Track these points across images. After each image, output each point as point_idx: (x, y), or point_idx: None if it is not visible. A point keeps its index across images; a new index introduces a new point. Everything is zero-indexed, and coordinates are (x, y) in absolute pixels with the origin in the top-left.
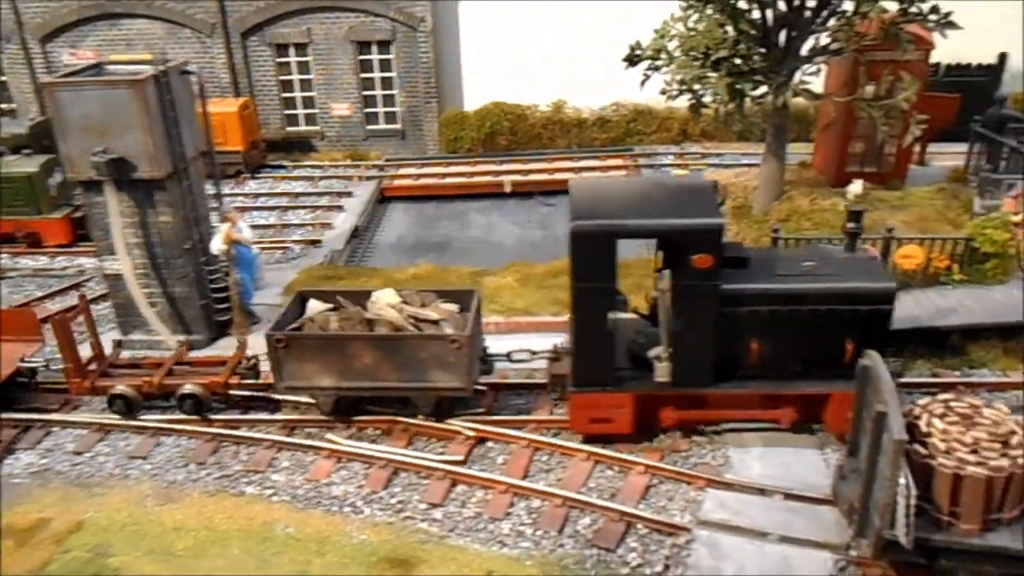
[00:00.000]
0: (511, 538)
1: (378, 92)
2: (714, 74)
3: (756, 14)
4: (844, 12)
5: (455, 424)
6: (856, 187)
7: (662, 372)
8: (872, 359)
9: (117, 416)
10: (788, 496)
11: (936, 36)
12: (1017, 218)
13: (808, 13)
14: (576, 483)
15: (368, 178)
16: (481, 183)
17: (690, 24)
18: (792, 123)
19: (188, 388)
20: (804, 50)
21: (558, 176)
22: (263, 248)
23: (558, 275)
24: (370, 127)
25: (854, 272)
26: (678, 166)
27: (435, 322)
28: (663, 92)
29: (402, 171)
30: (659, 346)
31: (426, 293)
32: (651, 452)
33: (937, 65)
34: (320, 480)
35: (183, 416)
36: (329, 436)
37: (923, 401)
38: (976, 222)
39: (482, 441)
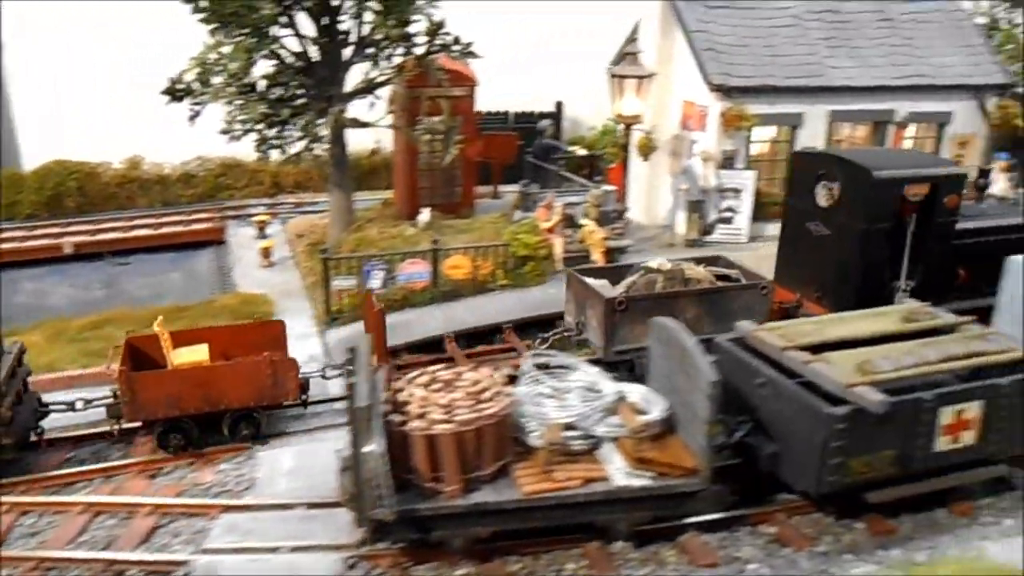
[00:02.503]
0: None
1: None
2: (250, 101)
3: (297, 45)
4: (383, 48)
5: None
6: (424, 216)
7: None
8: (357, 341)
9: None
10: (311, 506)
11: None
12: (547, 224)
13: (349, 51)
14: (63, 541)
15: None
16: (35, 247)
17: (222, 51)
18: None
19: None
20: (350, 84)
21: (135, 234)
22: None
23: (101, 326)
24: None
25: (1015, 215)
26: (269, 216)
27: (727, 278)
28: (224, 132)
29: None
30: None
31: (686, 261)
32: (168, 489)
33: (507, 113)
34: None
35: None
36: None
37: (412, 374)
38: (510, 229)
39: None
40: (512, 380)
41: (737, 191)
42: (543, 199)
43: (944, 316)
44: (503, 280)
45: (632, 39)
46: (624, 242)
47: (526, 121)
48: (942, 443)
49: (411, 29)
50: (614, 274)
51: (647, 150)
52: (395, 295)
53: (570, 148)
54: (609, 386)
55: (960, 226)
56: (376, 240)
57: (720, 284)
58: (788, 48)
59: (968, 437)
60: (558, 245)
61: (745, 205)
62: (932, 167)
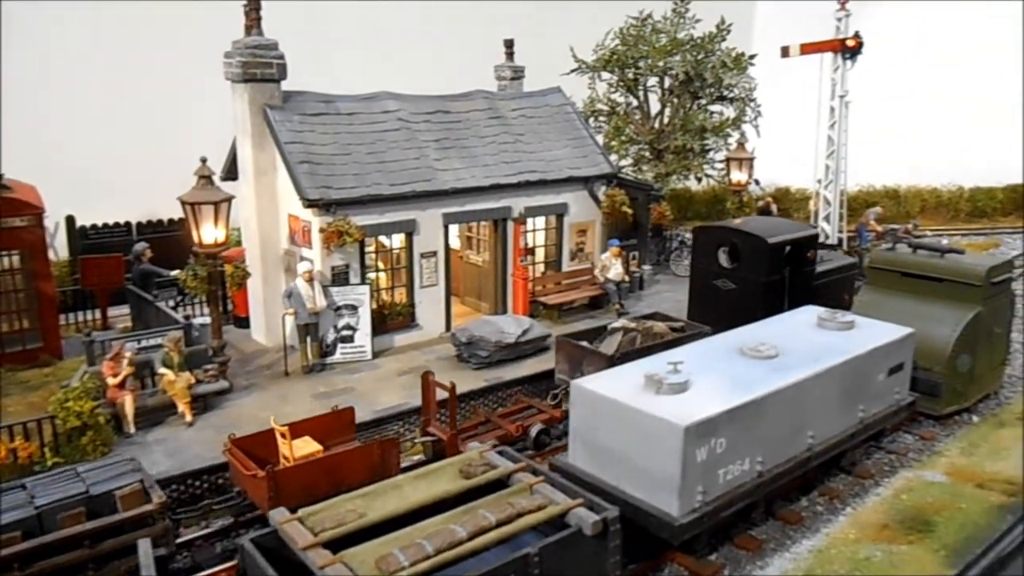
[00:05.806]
0: None
1: None
2: None
3: None
4: None
5: None
6: None
7: None
8: None
9: None
10: None
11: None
12: (115, 381)
13: None
14: None
15: None
16: None
17: None
18: None
19: None
20: None
21: None
22: None
23: None
24: None
25: (841, 259)
26: None
27: (678, 329)
28: None
29: None
30: None
31: (648, 319)
32: None
33: (128, 224)
34: None
35: None
36: None
37: None
38: (57, 397)
39: None
40: None
41: (354, 307)
42: (111, 348)
43: (501, 464)
44: (53, 459)
45: (203, 160)
46: (218, 385)
47: (152, 231)
48: None
49: None
50: (589, 335)
51: (238, 279)
52: None
53: (173, 273)
54: None
55: (817, 271)
56: None
57: (677, 334)
58: (396, 154)
59: None
60: (128, 403)
61: (364, 321)
62: (799, 231)
